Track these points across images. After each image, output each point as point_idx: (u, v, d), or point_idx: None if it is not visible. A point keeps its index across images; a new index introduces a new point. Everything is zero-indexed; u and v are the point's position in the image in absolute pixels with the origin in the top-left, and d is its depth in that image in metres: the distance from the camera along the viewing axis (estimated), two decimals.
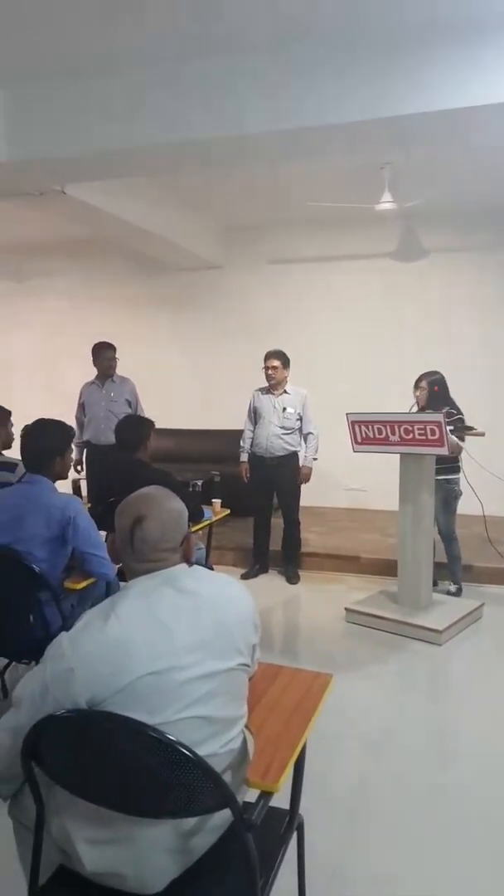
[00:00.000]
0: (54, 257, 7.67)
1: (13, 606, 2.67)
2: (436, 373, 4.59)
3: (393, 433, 4.12)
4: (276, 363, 5.00)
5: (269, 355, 5.05)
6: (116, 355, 5.50)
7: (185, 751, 1.27)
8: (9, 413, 3.70)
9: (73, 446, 2.99)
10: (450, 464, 4.43)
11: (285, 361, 5.04)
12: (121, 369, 5.63)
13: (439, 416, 3.98)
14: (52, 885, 1.46)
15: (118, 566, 1.89)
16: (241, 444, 5.20)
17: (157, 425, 4.80)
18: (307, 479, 5.15)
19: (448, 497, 4.56)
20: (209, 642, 1.43)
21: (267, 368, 5.02)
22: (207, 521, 3.77)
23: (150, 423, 3.73)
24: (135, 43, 3.30)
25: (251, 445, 5.16)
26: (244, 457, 5.19)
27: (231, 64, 3.41)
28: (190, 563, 1.57)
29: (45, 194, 4.65)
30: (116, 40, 3.27)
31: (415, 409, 4.58)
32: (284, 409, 5.05)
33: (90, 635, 1.41)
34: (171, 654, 1.38)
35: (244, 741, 1.50)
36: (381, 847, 2.28)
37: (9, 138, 3.80)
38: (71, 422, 4.88)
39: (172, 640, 1.40)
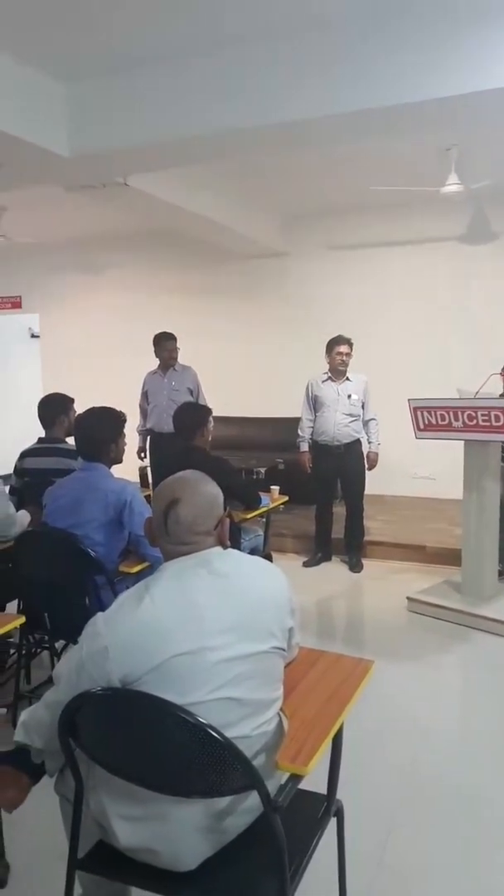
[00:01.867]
0: (120, 248, 7.81)
1: (71, 589, 2.76)
2: None
3: (456, 419, 4.00)
4: (349, 350, 4.96)
5: (342, 341, 4.97)
6: (178, 345, 5.55)
7: (213, 732, 1.28)
8: (72, 400, 3.79)
9: (126, 431, 3.03)
10: None
11: (351, 349, 4.99)
12: (185, 358, 5.69)
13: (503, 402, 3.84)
14: (91, 859, 1.51)
15: None
16: (300, 433, 5.14)
17: (223, 413, 4.83)
18: (375, 465, 5.08)
19: None
20: (241, 624, 1.43)
21: (340, 355, 4.95)
22: (265, 508, 3.76)
23: (206, 410, 3.75)
24: (194, 31, 3.29)
25: (311, 434, 5.11)
26: (304, 446, 5.14)
27: (290, 48, 3.36)
28: (225, 546, 1.57)
29: (108, 186, 4.73)
30: (177, 29, 3.28)
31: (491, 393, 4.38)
32: (350, 395, 4.99)
33: (124, 615, 1.43)
34: (203, 636, 1.39)
35: (279, 724, 1.50)
36: (429, 838, 2.24)
37: (71, 133, 3.88)
38: (132, 409, 4.99)
39: (204, 621, 1.41)
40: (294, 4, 3.08)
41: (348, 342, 4.97)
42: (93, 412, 2.90)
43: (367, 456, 5.08)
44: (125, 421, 2.98)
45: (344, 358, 4.95)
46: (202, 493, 1.56)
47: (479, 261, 6.41)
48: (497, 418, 3.80)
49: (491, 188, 5.38)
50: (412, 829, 2.28)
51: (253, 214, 6.45)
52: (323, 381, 5.06)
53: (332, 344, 5.00)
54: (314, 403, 5.08)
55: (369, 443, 5.08)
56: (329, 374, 5.05)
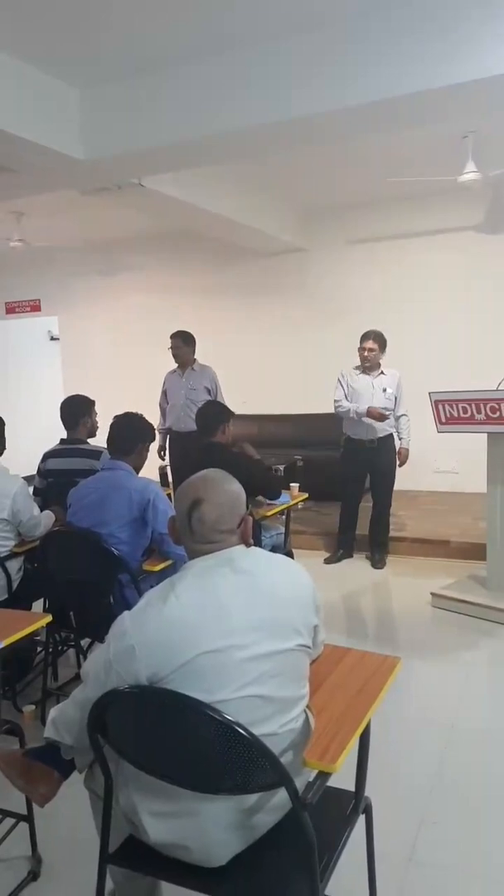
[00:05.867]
0: (137, 249, 7.85)
1: (95, 587, 2.79)
2: None
3: (478, 412, 3.97)
4: (374, 346, 4.86)
5: (367, 336, 4.88)
6: (198, 343, 5.55)
7: (240, 730, 1.28)
8: (93, 402, 3.83)
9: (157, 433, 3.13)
10: None
11: (382, 344, 4.89)
12: (204, 356, 5.69)
13: None
14: (122, 853, 1.52)
15: None
16: (342, 407, 4.89)
17: (241, 411, 4.80)
18: (406, 461, 5.03)
19: None
20: (266, 622, 1.44)
21: (364, 349, 4.87)
22: (285, 505, 3.76)
23: (228, 409, 3.77)
24: (203, 32, 3.30)
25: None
26: (352, 412, 4.89)
27: (301, 44, 3.35)
28: (248, 545, 1.58)
29: (123, 188, 4.75)
30: (187, 30, 3.28)
31: None
32: (385, 389, 4.91)
33: (151, 614, 1.44)
34: (229, 634, 1.40)
35: (306, 722, 1.50)
36: (459, 834, 2.23)
37: (85, 137, 3.90)
38: (152, 408, 5.02)
39: (230, 619, 1.41)
40: (301, 1, 3.06)
41: (373, 337, 4.86)
42: (126, 414, 3.00)
43: (399, 452, 5.02)
44: (151, 429, 3.05)
45: (367, 353, 4.87)
46: (225, 491, 1.56)
47: (500, 249, 6.33)
48: None
49: None
50: (441, 826, 2.27)
51: (270, 211, 6.44)
52: (358, 374, 4.97)
53: (361, 338, 4.92)
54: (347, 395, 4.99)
55: (400, 438, 5.01)
56: (361, 367, 4.98)
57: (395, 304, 6.64)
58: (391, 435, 5.00)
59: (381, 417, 4.78)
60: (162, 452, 5.61)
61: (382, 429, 4.93)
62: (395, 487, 5.22)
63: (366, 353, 4.89)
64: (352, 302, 6.76)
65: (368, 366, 4.93)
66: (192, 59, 3.55)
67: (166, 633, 1.40)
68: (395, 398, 4.95)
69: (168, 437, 5.64)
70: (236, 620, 1.41)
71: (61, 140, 3.75)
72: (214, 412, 3.70)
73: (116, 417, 3.04)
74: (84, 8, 3.06)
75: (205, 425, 3.63)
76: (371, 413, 4.78)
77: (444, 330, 6.49)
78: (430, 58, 3.13)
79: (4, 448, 3.19)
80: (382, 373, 4.95)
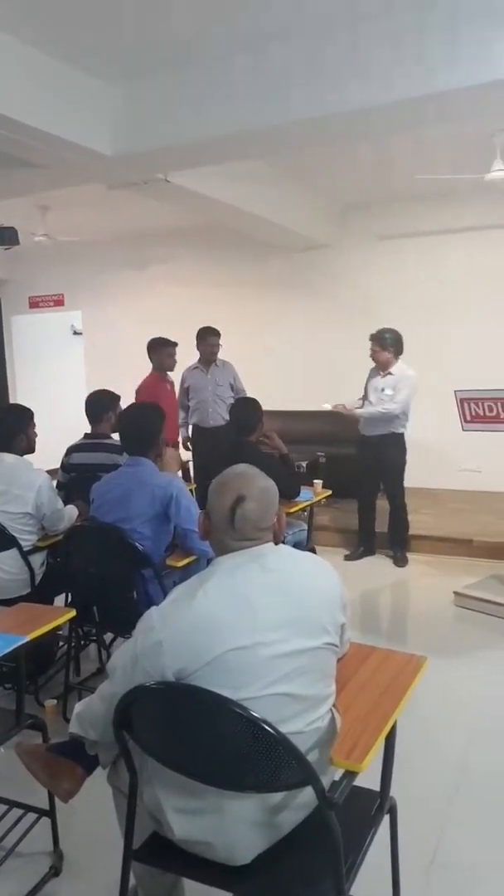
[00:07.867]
0: (162, 244, 7.83)
1: (118, 582, 2.79)
2: None
3: None
4: (376, 347, 4.92)
5: (370, 338, 4.97)
6: (221, 339, 5.54)
7: (267, 727, 1.27)
8: (118, 398, 3.83)
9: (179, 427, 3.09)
10: None
11: (384, 344, 4.89)
12: (228, 352, 5.68)
13: None
14: (146, 850, 1.52)
15: None
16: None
17: (264, 407, 4.84)
18: (344, 415, 5.07)
19: None
20: (294, 620, 1.42)
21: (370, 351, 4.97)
22: (307, 502, 3.74)
23: (261, 407, 3.76)
24: (233, 29, 3.29)
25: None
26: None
27: (331, 42, 3.32)
28: (277, 542, 1.56)
29: (149, 183, 4.75)
30: (216, 27, 3.27)
31: None
32: (383, 389, 4.93)
33: (179, 610, 1.44)
34: (256, 631, 1.39)
35: (332, 720, 1.49)
36: (482, 835, 2.21)
37: (113, 132, 3.91)
38: None
39: (257, 616, 1.40)
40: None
41: (374, 340, 4.92)
42: (137, 407, 2.93)
43: (350, 410, 5.04)
44: (164, 417, 3.01)
45: (371, 355, 4.94)
46: (265, 488, 1.55)
47: None
48: None
49: None
50: (464, 827, 2.25)
51: (297, 208, 6.38)
52: (372, 373, 5.05)
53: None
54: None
55: (363, 407, 5.02)
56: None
57: (422, 301, 6.56)
58: (393, 433, 4.95)
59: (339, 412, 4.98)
60: (188, 444, 5.60)
61: (374, 426, 4.93)
62: (419, 485, 5.18)
63: (370, 355, 4.95)
64: (378, 299, 6.68)
65: (375, 367, 4.97)
66: (221, 56, 3.53)
67: (194, 630, 1.39)
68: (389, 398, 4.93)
69: (191, 431, 5.62)
70: (263, 618, 1.40)
71: (89, 136, 3.76)
72: (253, 411, 3.71)
73: (121, 414, 3.01)
74: (113, 4, 3.06)
75: (245, 425, 3.63)
76: (335, 408, 5.01)
77: (472, 328, 6.40)
78: (465, 56, 3.10)
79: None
80: (390, 373, 4.95)
